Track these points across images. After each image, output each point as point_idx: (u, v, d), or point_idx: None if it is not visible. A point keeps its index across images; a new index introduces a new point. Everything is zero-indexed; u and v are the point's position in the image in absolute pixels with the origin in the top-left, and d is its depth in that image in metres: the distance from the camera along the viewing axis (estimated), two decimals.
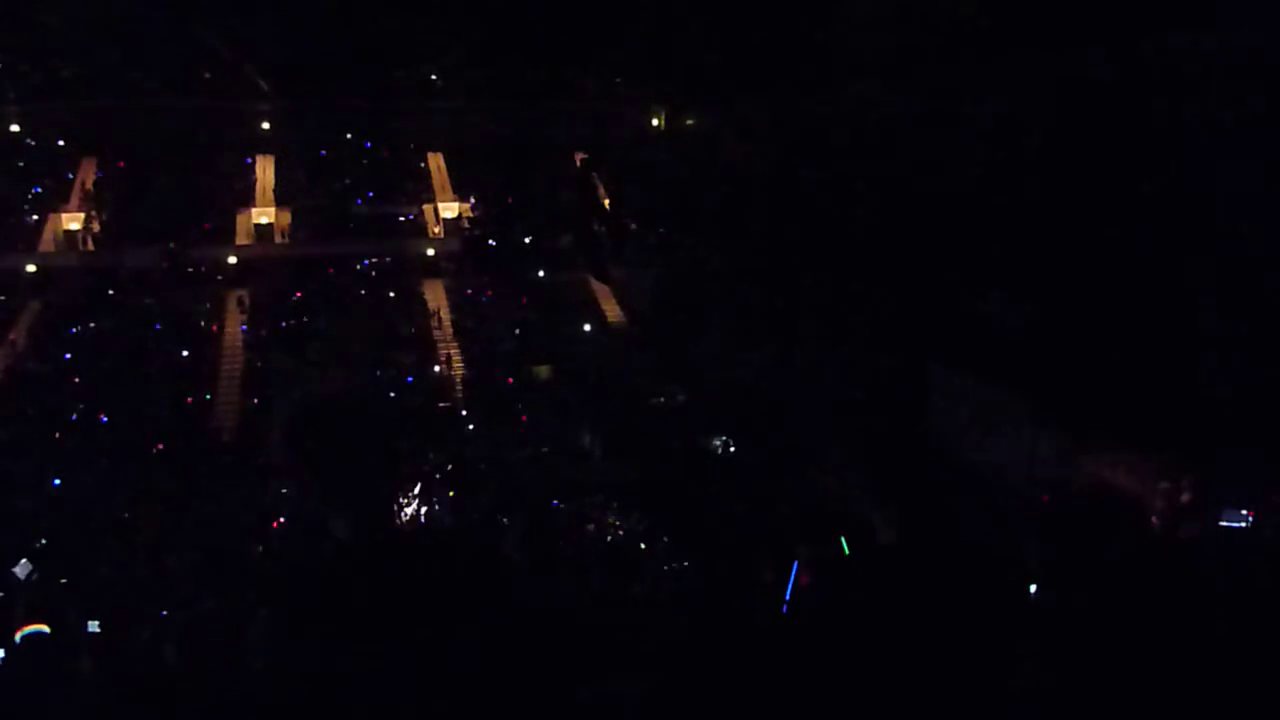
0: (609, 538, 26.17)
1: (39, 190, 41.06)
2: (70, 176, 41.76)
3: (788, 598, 22.63)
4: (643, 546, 25.66)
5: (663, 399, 32.82)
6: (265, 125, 45.31)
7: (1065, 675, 18.92)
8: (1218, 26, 22.51)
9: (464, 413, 32.54)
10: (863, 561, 23.26)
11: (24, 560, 22.46)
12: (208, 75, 43.69)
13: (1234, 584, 20.49)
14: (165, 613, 20.82)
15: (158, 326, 35.51)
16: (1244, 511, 21.04)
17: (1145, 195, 24.07)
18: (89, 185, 41.62)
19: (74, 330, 34.62)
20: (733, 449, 29.70)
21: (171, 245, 38.71)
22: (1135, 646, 19.41)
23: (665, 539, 26.15)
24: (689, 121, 42.95)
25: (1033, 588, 22.15)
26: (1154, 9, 23.37)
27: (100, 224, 40.03)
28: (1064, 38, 24.94)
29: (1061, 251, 24.54)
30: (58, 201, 40.59)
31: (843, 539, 22.52)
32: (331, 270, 39.32)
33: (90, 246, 39.37)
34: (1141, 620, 20.47)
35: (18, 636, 19.65)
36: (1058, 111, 25.65)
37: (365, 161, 45.57)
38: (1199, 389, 22.63)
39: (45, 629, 20.77)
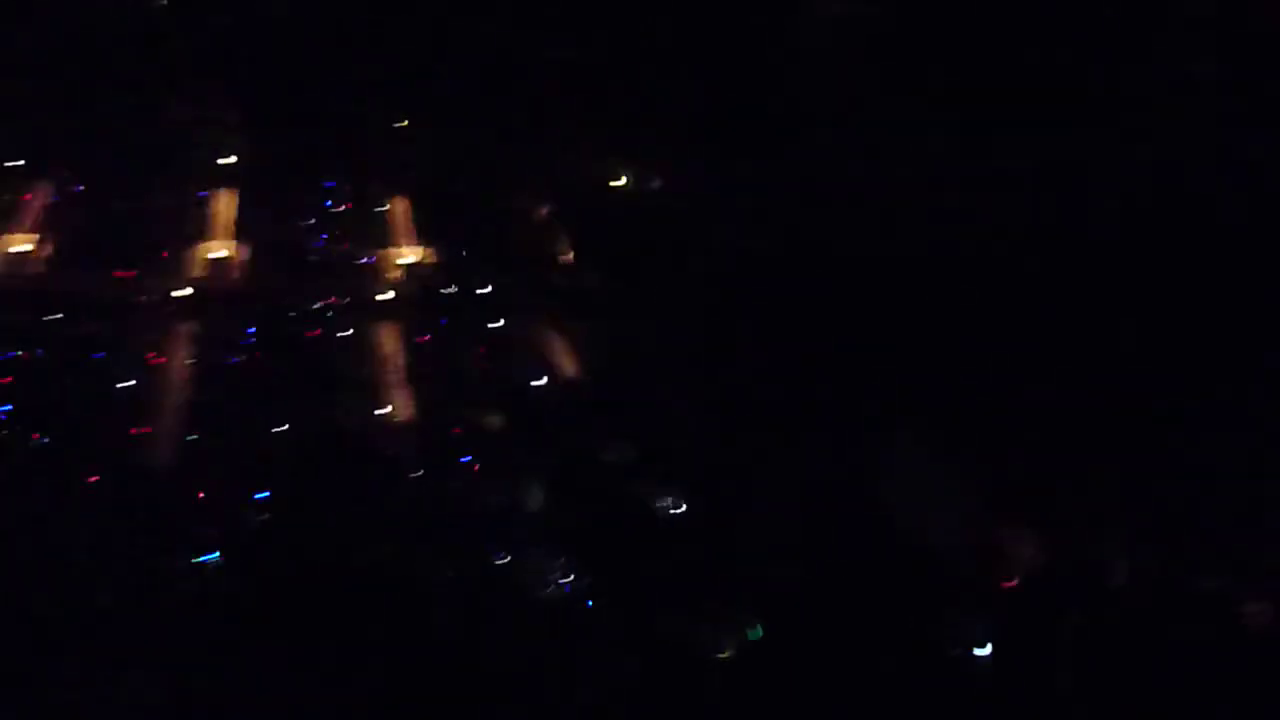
0: (554, 595, 25.92)
1: None
2: (25, 197, 41.00)
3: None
4: (589, 604, 25.49)
5: (614, 455, 32.77)
6: (231, 158, 45.01)
7: None
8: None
9: (412, 460, 32.15)
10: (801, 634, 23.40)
11: None
12: (175, 104, 43.45)
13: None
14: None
15: (101, 355, 34.76)
16: None
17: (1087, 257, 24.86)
18: (43, 207, 40.87)
19: (12, 354, 33.75)
20: (682, 508, 29.71)
21: (123, 273, 38.06)
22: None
23: (611, 597, 25.99)
24: (655, 183, 43.56)
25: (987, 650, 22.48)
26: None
27: (52, 247, 39.27)
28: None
29: (1009, 318, 25.25)
30: (8, 223, 39.77)
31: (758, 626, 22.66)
32: (290, 310, 38.91)
33: (40, 270, 38.54)
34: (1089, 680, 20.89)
35: None
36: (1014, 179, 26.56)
37: (328, 202, 45.38)
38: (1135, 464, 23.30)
39: None
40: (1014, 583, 23.93)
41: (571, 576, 25.62)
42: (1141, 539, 22.94)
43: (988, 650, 22.32)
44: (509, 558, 26.75)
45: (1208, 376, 22.78)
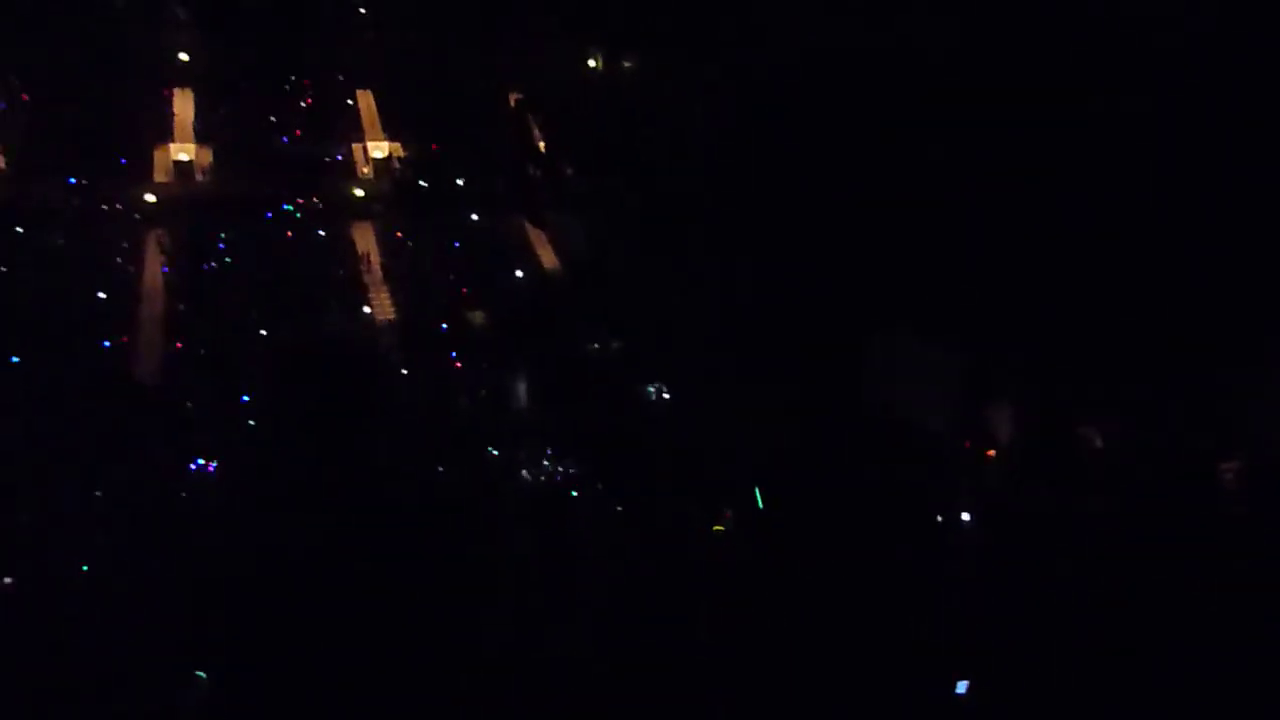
0: (543, 484, 26.25)
1: None
2: None
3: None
4: (575, 494, 25.84)
5: (597, 345, 32.78)
6: (183, 57, 43.30)
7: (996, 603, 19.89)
8: None
9: (397, 358, 32.07)
10: (790, 508, 23.92)
11: None
12: (121, 3, 41.54)
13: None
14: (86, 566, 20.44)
15: (70, 266, 34.07)
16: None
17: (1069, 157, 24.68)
18: None
19: None
20: (666, 395, 29.90)
21: (84, 181, 37.05)
22: (1055, 578, 20.50)
23: (599, 485, 26.37)
24: (627, 65, 42.27)
25: (965, 516, 23.19)
26: None
27: (7, 159, 38.05)
28: None
29: (995, 210, 25.12)
30: None
31: (757, 491, 23.04)
32: (261, 212, 38.13)
33: None
34: (1061, 552, 21.63)
35: None
36: (1002, 56, 26.03)
37: (290, 97, 43.96)
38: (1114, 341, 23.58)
39: None
40: (994, 453, 24.51)
41: (558, 467, 25.92)
42: (1121, 410, 23.44)
43: (969, 518, 22.99)
44: (495, 451, 26.99)
45: (1186, 252, 22.90)
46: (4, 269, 33.24)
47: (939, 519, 23.27)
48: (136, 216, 37.18)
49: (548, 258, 38.78)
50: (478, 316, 34.11)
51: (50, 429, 26.48)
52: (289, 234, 37.66)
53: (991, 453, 24.78)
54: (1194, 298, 22.14)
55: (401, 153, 41.96)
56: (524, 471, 26.53)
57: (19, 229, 35.13)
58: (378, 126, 43.23)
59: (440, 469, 25.78)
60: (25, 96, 40.27)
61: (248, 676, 18.29)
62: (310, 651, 18.63)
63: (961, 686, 18.38)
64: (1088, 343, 23.44)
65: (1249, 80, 22.61)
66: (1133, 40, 23.99)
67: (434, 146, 41.81)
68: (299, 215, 38.69)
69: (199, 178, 39.75)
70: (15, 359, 29.24)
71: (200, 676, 18.53)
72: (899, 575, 21.10)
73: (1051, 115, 25.18)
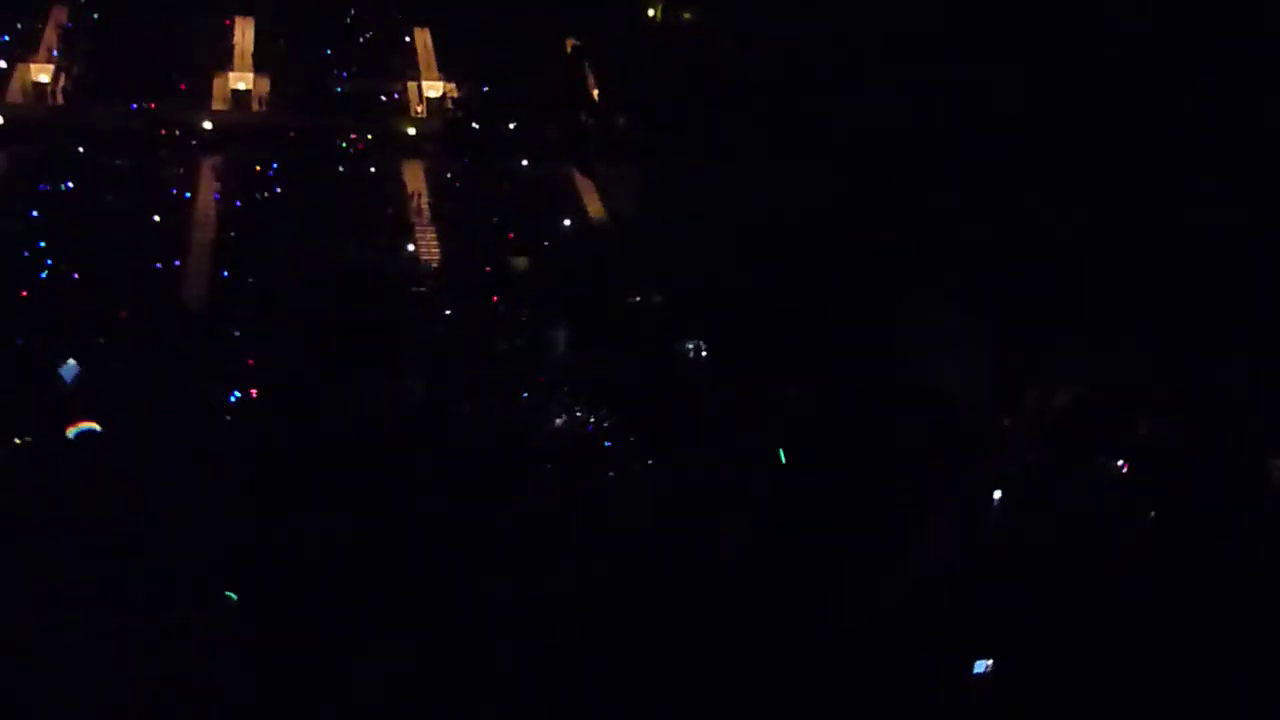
0: (575, 433, 26.42)
1: (6, 38, 39.32)
2: (40, 25, 40.00)
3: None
4: (608, 444, 25.97)
5: (638, 299, 32.71)
6: None
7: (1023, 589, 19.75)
8: None
9: (438, 298, 32.30)
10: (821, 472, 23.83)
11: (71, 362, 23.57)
12: None
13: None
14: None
15: (125, 189, 34.64)
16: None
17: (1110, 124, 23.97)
18: (58, 35, 39.91)
19: (43, 187, 33.72)
20: (704, 353, 29.84)
21: (145, 104, 37.47)
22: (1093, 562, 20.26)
23: (631, 438, 26.47)
24: (687, 16, 41.59)
25: (996, 495, 22.94)
26: None
27: (70, 78, 38.57)
28: None
29: (1033, 178, 24.58)
30: (26, 51, 38.97)
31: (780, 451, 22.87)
32: (314, 144, 38.31)
33: (60, 100, 37.99)
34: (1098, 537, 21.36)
35: (71, 433, 20.65)
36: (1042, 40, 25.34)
37: (349, 32, 43.96)
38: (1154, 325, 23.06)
39: (96, 426, 21.03)
40: (1029, 427, 24.20)
41: (593, 417, 26.02)
42: (1168, 395, 22.92)
43: (998, 495, 22.74)
44: (532, 397, 27.15)
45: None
46: (65, 187, 33.91)
47: (970, 494, 23.08)
48: (193, 143, 37.63)
49: (594, 208, 38.61)
50: (521, 262, 34.17)
51: (98, 350, 27.11)
52: (339, 169, 37.93)
53: (1025, 427, 24.49)
54: (1252, 282, 21.50)
55: (455, 93, 41.84)
56: (556, 419, 26.68)
57: (80, 149, 35.76)
58: (433, 66, 43.08)
59: (472, 410, 26.00)
60: (95, 15, 40.74)
61: (274, 604, 18.73)
62: (338, 584, 19.00)
63: (980, 666, 18.30)
64: (1136, 326, 22.93)
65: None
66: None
67: (493, 85, 41.58)
68: (351, 150, 38.90)
69: (256, 107, 40.00)
70: (75, 275, 29.94)
71: (230, 598, 18.95)
72: (924, 549, 21.00)
73: (1104, 86, 24.48)
